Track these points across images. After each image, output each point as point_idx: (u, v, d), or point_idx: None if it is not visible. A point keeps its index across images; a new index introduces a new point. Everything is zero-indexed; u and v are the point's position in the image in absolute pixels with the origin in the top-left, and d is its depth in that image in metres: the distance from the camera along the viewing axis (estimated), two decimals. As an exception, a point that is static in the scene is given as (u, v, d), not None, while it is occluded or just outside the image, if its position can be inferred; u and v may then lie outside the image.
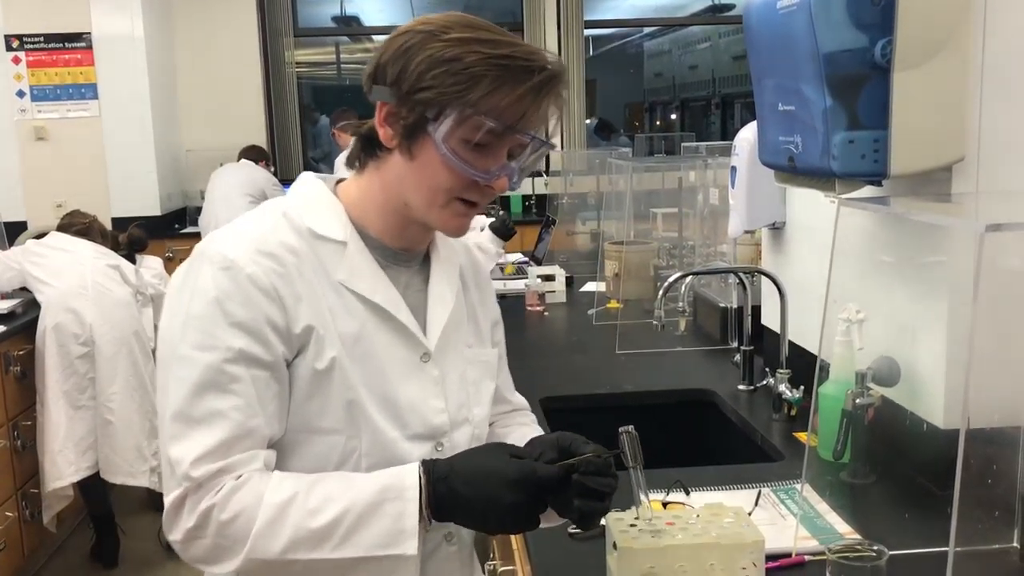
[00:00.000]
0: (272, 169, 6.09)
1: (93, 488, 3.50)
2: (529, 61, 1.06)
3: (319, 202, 1.16)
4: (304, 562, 1.03)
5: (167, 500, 1.05)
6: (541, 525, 1.10)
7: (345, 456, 1.10)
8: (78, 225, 3.64)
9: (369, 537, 1.03)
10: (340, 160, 5.19)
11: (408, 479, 1.05)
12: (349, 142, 4.65)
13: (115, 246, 3.73)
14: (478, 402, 1.23)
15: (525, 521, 1.07)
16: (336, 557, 1.03)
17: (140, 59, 5.93)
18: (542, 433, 1.29)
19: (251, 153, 5.87)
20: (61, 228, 3.65)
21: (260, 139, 6.57)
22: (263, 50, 6.76)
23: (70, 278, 3.40)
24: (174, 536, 1.05)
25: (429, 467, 1.07)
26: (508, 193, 6.80)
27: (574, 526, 1.43)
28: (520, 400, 1.42)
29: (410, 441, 1.14)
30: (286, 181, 5.70)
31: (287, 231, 1.12)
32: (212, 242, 1.10)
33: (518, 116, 1.06)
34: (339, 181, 1.20)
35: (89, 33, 5.91)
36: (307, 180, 1.20)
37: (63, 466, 3.32)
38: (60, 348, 3.31)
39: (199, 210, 5.85)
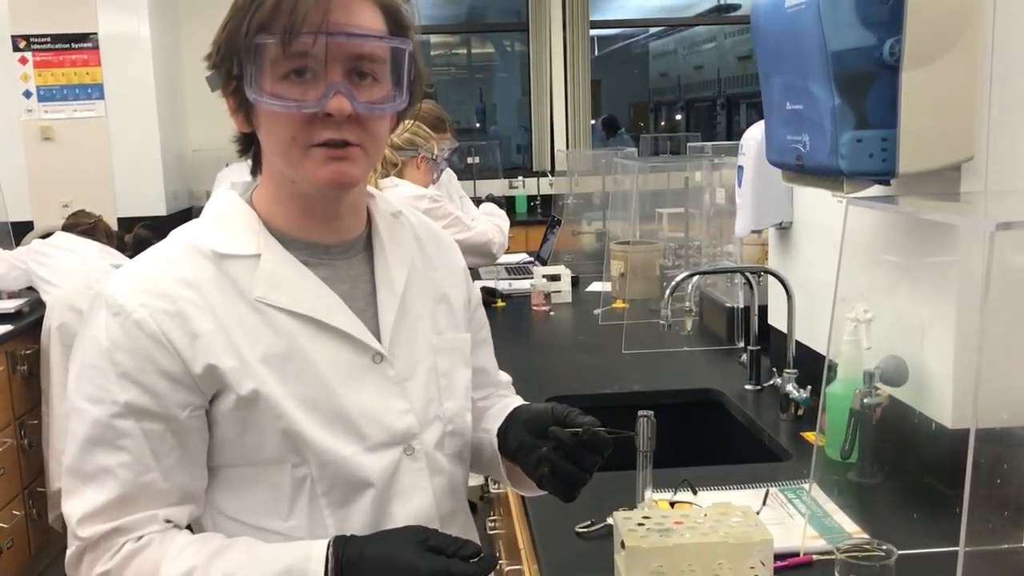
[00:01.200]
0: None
1: None
2: None
3: (229, 217, 1.08)
4: None
5: (67, 555, 1.02)
6: (522, 494, 1.08)
7: (297, 483, 1.04)
8: (83, 225, 3.65)
9: None
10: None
11: (313, 564, 0.98)
12: None
13: (121, 246, 3.74)
14: (450, 395, 1.15)
15: None
16: None
17: (146, 59, 5.94)
18: (520, 403, 1.25)
19: (257, 153, 5.87)
20: (66, 228, 3.66)
21: (266, 139, 6.57)
22: (268, 50, 6.76)
23: (75, 278, 3.40)
24: None
25: (339, 550, 0.99)
26: (515, 192, 6.81)
27: (584, 523, 1.44)
28: (505, 379, 1.36)
29: (371, 452, 1.07)
30: (291, 181, 5.72)
31: (189, 260, 1.04)
32: (110, 283, 1.03)
33: (296, 18, 0.95)
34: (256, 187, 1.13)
35: (95, 33, 5.92)
36: (218, 195, 1.12)
37: None
38: (65, 348, 3.32)
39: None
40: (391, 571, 0.97)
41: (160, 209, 6.06)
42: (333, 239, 1.09)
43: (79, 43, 5.94)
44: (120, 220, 5.47)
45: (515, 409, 1.19)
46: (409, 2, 1.06)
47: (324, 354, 1.05)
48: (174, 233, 1.09)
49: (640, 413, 1.14)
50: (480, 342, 1.27)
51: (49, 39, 5.93)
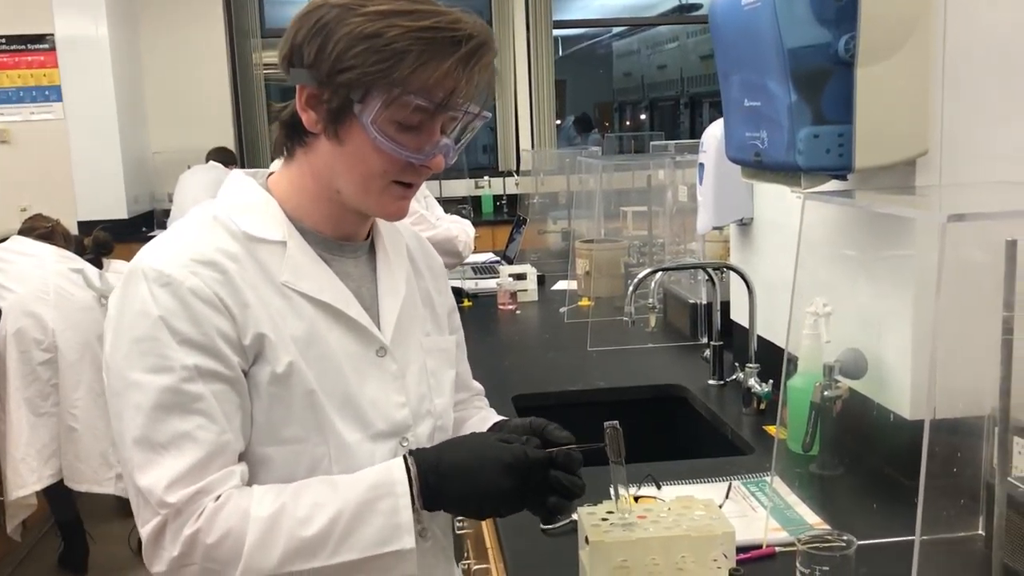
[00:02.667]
0: (240, 171, 6.04)
1: (59, 495, 3.45)
2: (455, 31, 1.00)
3: (252, 202, 1.10)
4: (301, 573, 1.00)
5: (144, 532, 1.00)
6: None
7: (314, 464, 1.07)
8: (40, 229, 3.59)
9: (365, 538, 1.01)
10: (275, 165, 5.11)
11: (396, 474, 1.04)
12: None
13: (80, 250, 3.68)
14: (439, 392, 1.20)
15: (518, 504, 1.07)
16: (334, 562, 1.00)
17: (105, 61, 5.87)
18: (499, 418, 1.29)
19: (220, 155, 5.83)
20: (23, 232, 3.60)
21: (228, 141, 6.53)
22: (230, 51, 6.72)
23: (32, 283, 3.35)
24: (158, 568, 1.00)
25: (418, 458, 1.05)
26: (481, 192, 6.81)
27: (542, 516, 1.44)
28: (478, 386, 1.41)
29: (373, 441, 1.11)
30: (255, 183, 5.68)
31: (222, 236, 1.06)
32: (144, 258, 1.03)
33: (448, 91, 1.01)
34: (271, 174, 1.15)
35: (52, 35, 5.85)
36: (237, 179, 1.15)
37: (26, 474, 3.26)
38: (22, 354, 3.26)
39: (167, 213, 5.80)
40: (474, 462, 1.04)
41: (121, 212, 5.99)
42: (346, 238, 1.15)
43: (35, 44, 5.85)
44: (80, 224, 5.40)
45: (495, 424, 1.21)
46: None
47: (338, 342, 1.09)
48: (197, 212, 1.11)
49: (606, 424, 1.14)
50: (455, 346, 1.30)
51: (4, 40, 5.83)
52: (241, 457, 1.05)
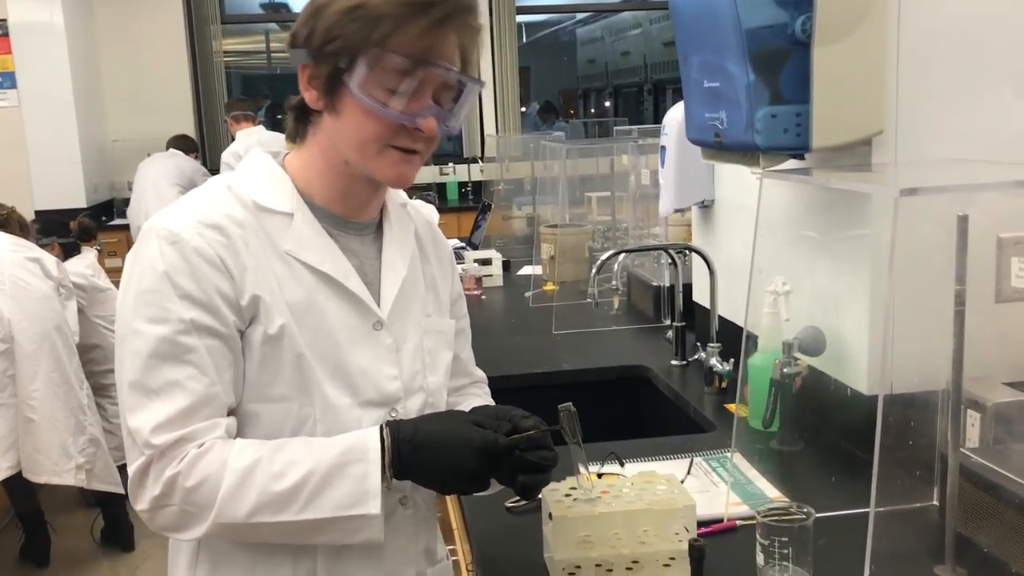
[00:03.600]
0: (200, 160, 5.98)
1: (18, 487, 3.40)
2: None
3: (266, 175, 1.17)
4: (270, 525, 1.05)
5: (130, 470, 1.07)
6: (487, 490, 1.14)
7: (300, 423, 1.11)
8: None
9: (333, 498, 1.05)
10: (227, 154, 5.05)
11: (371, 441, 1.08)
12: (239, 131, 4.68)
13: (66, 231, 3.65)
14: (433, 371, 1.24)
15: (480, 486, 1.11)
16: (301, 519, 1.05)
17: (61, 47, 5.76)
18: (492, 404, 1.33)
19: (181, 143, 5.75)
20: None
21: (188, 128, 6.45)
22: (190, 38, 6.63)
23: None
24: (140, 505, 1.07)
25: (394, 428, 1.09)
26: (445, 179, 6.79)
27: (513, 498, 1.46)
28: (480, 374, 1.45)
29: (362, 408, 1.15)
30: (215, 171, 5.61)
31: (232, 203, 1.13)
32: (158, 219, 1.11)
33: (424, 49, 1.06)
34: (287, 154, 1.21)
35: (4, 20, 5.73)
36: (255, 155, 1.21)
37: None
38: None
39: (127, 201, 5.72)
40: (446, 442, 1.08)
41: (80, 201, 5.90)
42: (354, 216, 1.20)
43: (-12, 30, 5.74)
44: (38, 212, 5.32)
45: (472, 409, 1.23)
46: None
47: (335, 312, 1.14)
48: (213, 181, 1.19)
49: (560, 407, 1.17)
50: (459, 331, 1.35)
51: (-44, 26, 5.71)
52: (231, 412, 1.10)
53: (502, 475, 1.12)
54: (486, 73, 6.97)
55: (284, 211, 1.14)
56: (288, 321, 1.10)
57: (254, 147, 1.29)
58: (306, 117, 1.16)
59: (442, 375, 1.26)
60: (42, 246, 3.63)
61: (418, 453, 1.08)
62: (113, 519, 3.58)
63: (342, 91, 1.09)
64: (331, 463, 1.06)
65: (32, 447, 3.28)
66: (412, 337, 1.22)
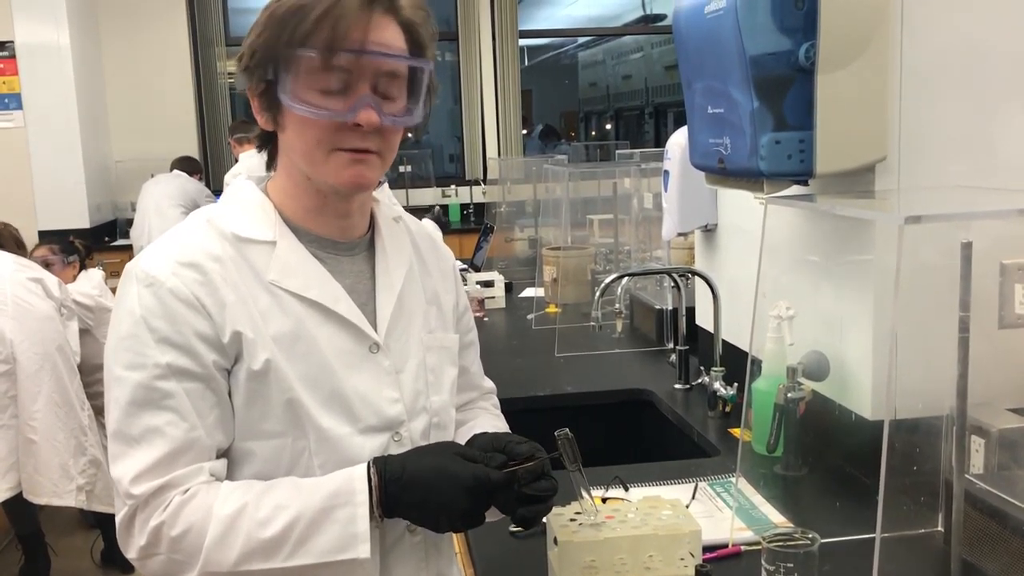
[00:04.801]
0: (204, 181, 6.00)
1: (18, 508, 3.38)
2: None
3: (248, 204, 1.14)
4: (259, 572, 1.03)
5: (117, 519, 1.06)
6: (486, 521, 1.11)
7: (295, 457, 1.09)
8: None
9: (321, 544, 1.03)
10: (229, 175, 5.10)
11: (358, 483, 1.05)
12: (242, 153, 4.67)
13: (71, 249, 3.67)
14: (437, 390, 1.21)
15: (475, 522, 1.08)
16: (290, 566, 1.03)
17: (66, 68, 5.80)
18: (501, 419, 1.32)
19: (185, 165, 5.77)
20: None
21: (192, 150, 6.48)
22: (194, 59, 6.67)
23: None
24: (130, 554, 1.05)
25: (380, 467, 1.06)
26: (448, 201, 6.81)
27: (514, 525, 1.45)
28: (489, 385, 1.42)
29: (363, 435, 1.12)
30: (218, 192, 5.63)
31: (212, 238, 1.10)
32: (139, 260, 1.09)
33: (333, 37, 1.02)
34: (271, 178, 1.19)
35: (12, 42, 5.77)
36: (238, 184, 1.18)
37: None
38: None
39: (130, 222, 5.74)
40: (435, 479, 1.05)
41: (83, 221, 5.92)
42: (340, 236, 1.16)
43: (-5, 52, 5.78)
44: (41, 233, 5.32)
45: (472, 437, 1.21)
46: (429, 20, 1.12)
47: (327, 339, 1.11)
48: (194, 215, 1.16)
49: (557, 433, 1.16)
50: (466, 344, 1.33)
51: (-37, 47, 5.75)
52: (223, 453, 1.08)
53: (501, 505, 1.09)
54: (488, 96, 7.01)
55: (266, 239, 1.11)
56: (273, 355, 1.07)
57: (240, 174, 1.28)
58: (267, 143, 1.14)
59: (447, 393, 1.22)
60: (67, 263, 3.68)
61: (406, 492, 1.05)
62: (113, 540, 3.56)
63: (279, 104, 1.07)
64: (318, 508, 1.03)
65: (32, 468, 3.26)
66: (414, 356, 1.19)
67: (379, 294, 1.18)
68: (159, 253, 1.08)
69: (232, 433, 1.09)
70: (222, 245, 1.09)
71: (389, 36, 1.06)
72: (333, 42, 1.02)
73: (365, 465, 1.07)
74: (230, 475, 1.09)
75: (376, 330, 1.15)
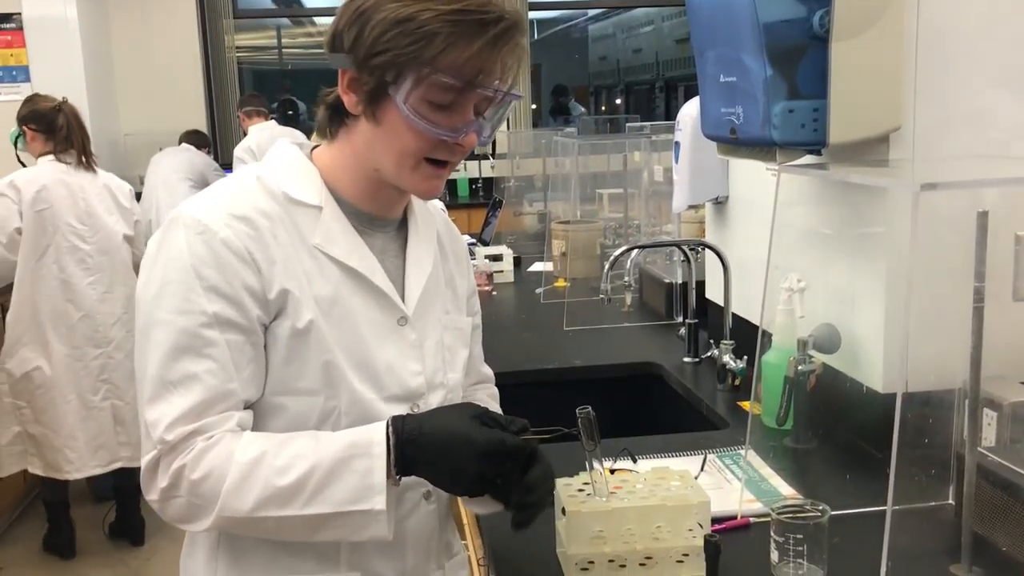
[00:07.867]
0: (212, 155, 5.99)
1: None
2: (484, 14, 1.04)
3: (295, 167, 1.16)
4: (275, 519, 1.04)
5: (143, 461, 1.07)
6: (475, 511, 1.12)
7: (324, 416, 1.11)
8: None
9: (337, 493, 1.04)
10: (238, 149, 5.09)
11: (376, 435, 1.06)
12: (251, 126, 4.67)
13: None
14: (453, 367, 1.24)
15: (488, 486, 1.09)
16: (306, 514, 1.04)
17: (74, 41, 5.77)
18: (498, 408, 1.33)
19: (193, 138, 5.76)
20: None
21: (200, 123, 6.46)
22: (202, 33, 6.63)
23: None
24: (151, 496, 1.07)
25: (399, 425, 1.07)
26: (456, 175, 6.78)
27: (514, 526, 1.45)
28: (487, 372, 1.44)
29: (387, 403, 1.14)
30: (226, 166, 5.62)
31: (261, 195, 1.12)
32: (186, 208, 1.10)
33: (476, 71, 1.05)
34: (314, 147, 1.20)
35: (19, 14, 5.74)
36: (283, 146, 1.20)
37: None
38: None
39: (138, 195, 5.73)
40: (450, 442, 1.05)
41: (92, 195, 5.90)
42: (379, 213, 1.19)
43: (2, 24, 5.75)
44: (50, 206, 5.31)
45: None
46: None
47: (361, 307, 1.14)
48: (242, 171, 1.18)
49: (579, 411, 1.15)
50: (473, 328, 1.34)
51: (-30, 20, 5.73)
52: (250, 406, 1.10)
53: (499, 490, 1.10)
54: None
55: (313, 204, 1.13)
56: (316, 316, 1.09)
57: (280, 138, 1.28)
58: (340, 116, 1.14)
59: (460, 372, 1.26)
60: None
61: (422, 450, 1.06)
62: (126, 512, 3.59)
63: (386, 102, 1.08)
64: (336, 458, 1.05)
65: (123, 440, 3.43)
66: (433, 334, 1.22)
67: (409, 270, 1.21)
68: (210, 203, 1.10)
69: (262, 388, 1.10)
70: (271, 203, 1.11)
71: (501, 68, 1.09)
72: (480, 80, 1.05)
73: (384, 422, 1.08)
74: (259, 427, 1.11)
75: (404, 304, 1.18)
